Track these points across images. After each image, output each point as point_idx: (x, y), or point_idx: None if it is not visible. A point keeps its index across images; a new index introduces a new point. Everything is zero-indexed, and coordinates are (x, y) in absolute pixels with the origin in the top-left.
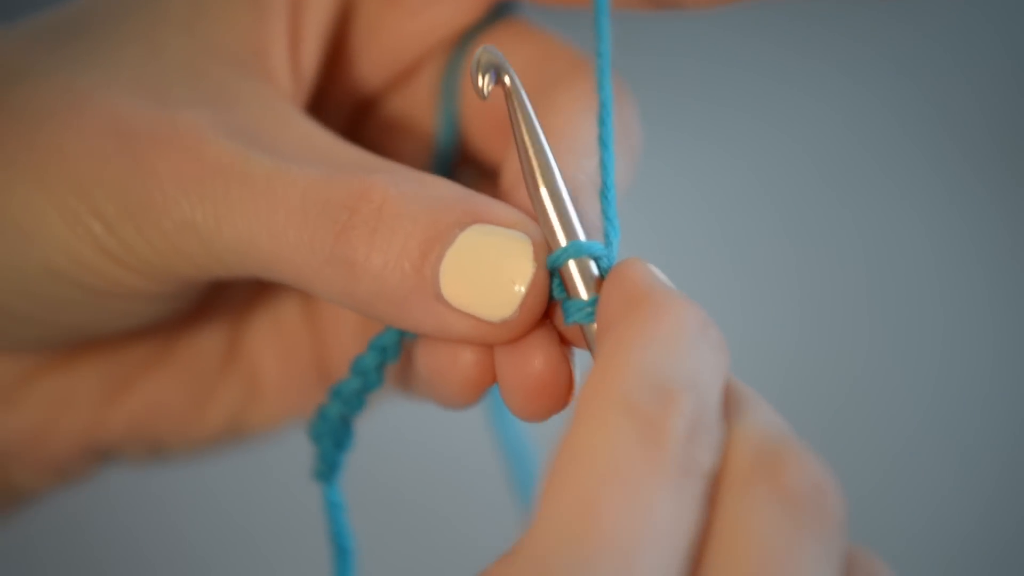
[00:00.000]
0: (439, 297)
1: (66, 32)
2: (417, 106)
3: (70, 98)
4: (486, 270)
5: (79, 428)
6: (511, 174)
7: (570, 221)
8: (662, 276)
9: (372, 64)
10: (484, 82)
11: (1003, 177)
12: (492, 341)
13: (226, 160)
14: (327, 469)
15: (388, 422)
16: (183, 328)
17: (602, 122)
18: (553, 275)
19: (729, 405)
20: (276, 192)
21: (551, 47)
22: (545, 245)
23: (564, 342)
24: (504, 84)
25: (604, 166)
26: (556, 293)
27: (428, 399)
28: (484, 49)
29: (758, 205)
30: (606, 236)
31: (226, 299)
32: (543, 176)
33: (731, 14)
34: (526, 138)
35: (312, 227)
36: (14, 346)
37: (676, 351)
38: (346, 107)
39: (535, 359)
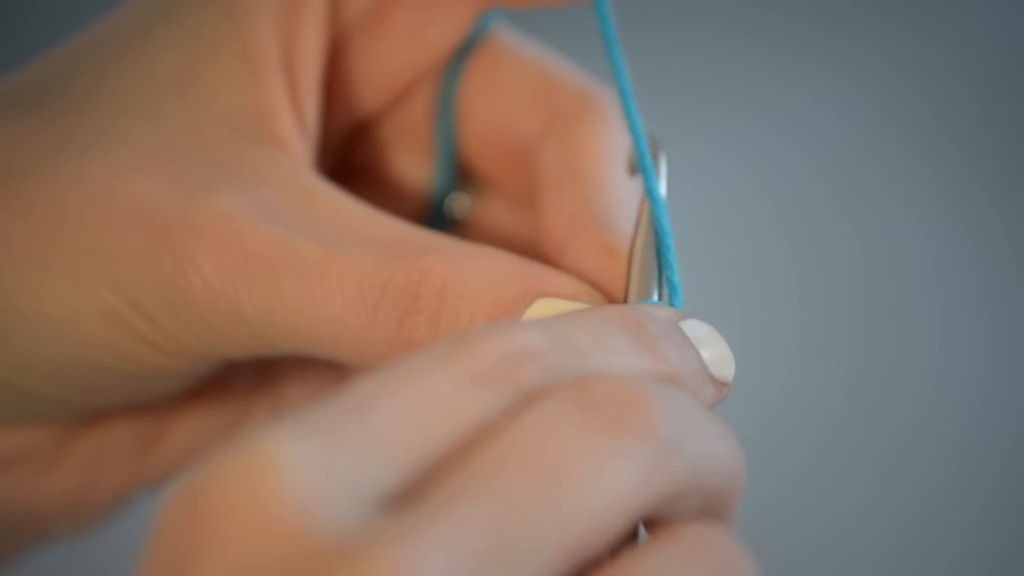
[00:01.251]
0: None
1: (55, 107)
2: (412, 128)
3: (88, 188)
4: None
5: (117, 483)
6: (558, 231)
7: (652, 285)
8: (690, 325)
9: (364, 95)
10: (632, 170)
11: (1005, 180)
12: None
13: (271, 249)
14: None
15: None
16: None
17: (647, 175)
18: None
19: None
20: (331, 280)
21: (551, 78)
22: None
23: None
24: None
25: (660, 225)
26: None
27: None
28: (653, 138)
29: (757, 206)
30: (670, 302)
31: None
32: (648, 259)
33: (730, 16)
34: (649, 223)
35: (372, 314)
36: (48, 421)
37: (562, 321)
38: (339, 136)
39: None
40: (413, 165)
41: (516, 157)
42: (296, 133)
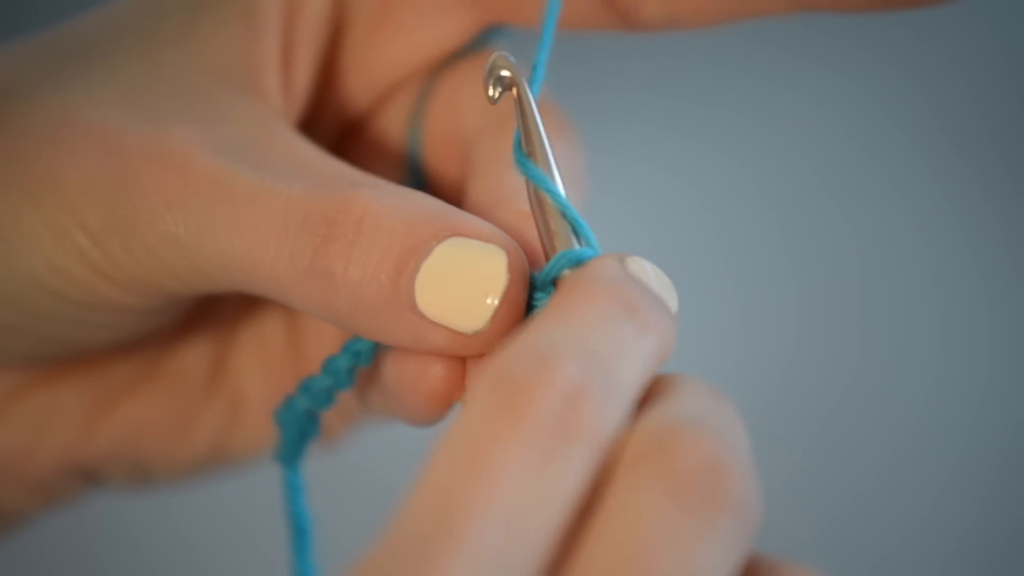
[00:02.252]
0: (414, 309)
1: (64, 50)
2: (394, 131)
3: (63, 114)
4: (460, 282)
5: (63, 446)
6: (483, 195)
7: (568, 234)
8: (639, 269)
9: (360, 83)
10: (494, 89)
11: (1001, 180)
12: (465, 353)
13: (211, 175)
14: (290, 454)
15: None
16: (169, 347)
17: (517, 137)
18: (546, 287)
19: (658, 393)
20: (258, 206)
21: None
22: (520, 257)
23: None
24: (513, 92)
25: (528, 173)
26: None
27: (392, 416)
28: (498, 56)
29: (755, 208)
30: (583, 237)
31: (211, 318)
32: (548, 193)
33: None
34: (534, 148)
35: (292, 240)
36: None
37: (573, 324)
38: (333, 129)
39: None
40: (393, 170)
41: (461, 153)
42: (279, 91)
